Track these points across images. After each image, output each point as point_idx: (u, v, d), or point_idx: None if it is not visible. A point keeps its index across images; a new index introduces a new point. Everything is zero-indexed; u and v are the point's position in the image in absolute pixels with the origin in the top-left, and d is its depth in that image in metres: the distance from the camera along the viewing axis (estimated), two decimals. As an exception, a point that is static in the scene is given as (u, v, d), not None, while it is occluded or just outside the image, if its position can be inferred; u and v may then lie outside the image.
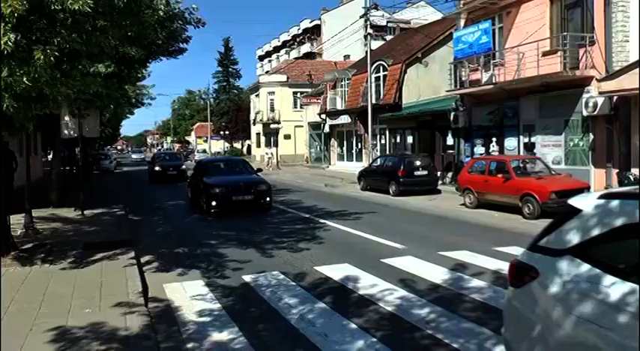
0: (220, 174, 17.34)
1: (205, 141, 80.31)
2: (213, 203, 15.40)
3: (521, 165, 15.55)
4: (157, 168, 29.72)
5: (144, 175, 34.34)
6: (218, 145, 73.38)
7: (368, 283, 7.60)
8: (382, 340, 5.47)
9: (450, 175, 23.46)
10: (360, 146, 34.04)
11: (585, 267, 3.32)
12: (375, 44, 39.42)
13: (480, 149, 21.46)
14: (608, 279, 3.13)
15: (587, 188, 14.35)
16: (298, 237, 11.62)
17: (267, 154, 43.29)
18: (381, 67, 30.33)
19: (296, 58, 61.38)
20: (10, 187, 11.32)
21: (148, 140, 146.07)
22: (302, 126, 46.97)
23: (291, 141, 48.86)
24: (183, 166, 30.64)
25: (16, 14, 5.90)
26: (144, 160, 51.51)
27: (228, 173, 17.55)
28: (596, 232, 3.38)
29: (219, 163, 19.94)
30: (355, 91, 32.96)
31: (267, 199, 16.10)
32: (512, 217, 13.99)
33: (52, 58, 6.49)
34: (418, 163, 20.81)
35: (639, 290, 2.88)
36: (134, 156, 79.31)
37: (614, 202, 3.39)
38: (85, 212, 14.53)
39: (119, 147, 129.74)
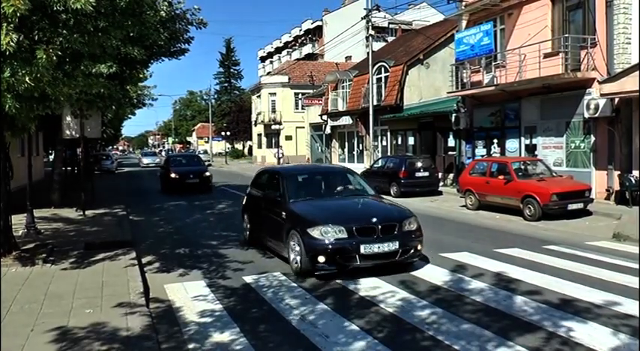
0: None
1: (207, 142, 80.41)
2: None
3: (523, 167, 15.54)
4: (172, 175, 23.47)
5: (151, 177, 34.03)
6: (219, 146, 73.41)
7: (369, 285, 7.60)
8: (383, 342, 5.46)
9: (451, 176, 23.46)
10: (361, 147, 34.03)
11: None
12: (377, 45, 39.54)
13: (481, 151, 21.45)
14: None
15: (589, 190, 14.37)
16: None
17: (276, 154, 43.39)
18: (383, 69, 30.33)
19: (298, 59, 61.41)
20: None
21: (150, 141, 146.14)
22: (303, 127, 46.99)
23: (292, 142, 48.86)
24: (207, 173, 24.13)
25: (18, 14, 5.91)
26: (159, 165, 37.42)
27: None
28: None
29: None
30: (357, 93, 32.95)
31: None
32: (514, 218, 13.99)
33: (54, 58, 6.51)
34: (419, 164, 20.83)
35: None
36: (146, 160, 54.88)
37: None
38: (87, 212, 14.55)
39: (120, 148, 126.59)
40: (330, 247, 7.84)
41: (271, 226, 9.50)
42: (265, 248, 10.05)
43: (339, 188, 10.09)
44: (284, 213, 8.95)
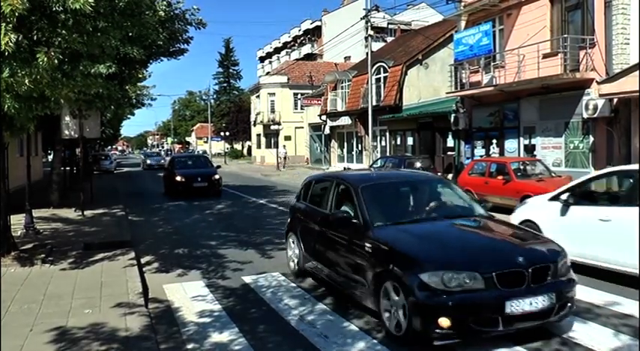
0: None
1: (206, 142, 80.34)
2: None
3: (522, 167, 15.54)
4: (178, 178, 21.67)
5: (151, 178, 33.98)
6: (218, 146, 73.38)
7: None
8: (382, 342, 5.46)
9: (450, 176, 23.45)
10: (360, 147, 34.06)
11: None
12: (376, 46, 39.54)
13: (480, 151, 21.47)
14: None
15: (588, 190, 14.35)
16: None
17: (281, 154, 43.31)
18: (382, 69, 30.35)
19: (297, 60, 61.40)
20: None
21: (149, 141, 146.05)
22: (302, 127, 47.00)
23: (291, 142, 48.87)
24: (217, 176, 22.06)
25: (16, 13, 5.91)
26: (164, 167, 33.32)
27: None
28: None
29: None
30: (356, 93, 32.98)
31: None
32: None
33: (55, 61, 6.50)
34: (418, 164, 20.80)
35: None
36: (150, 161, 50.89)
37: None
38: (86, 213, 14.54)
39: (120, 148, 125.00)
40: (458, 303, 5.06)
41: (343, 263, 6.68)
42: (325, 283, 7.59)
43: (432, 205, 7.05)
44: (367, 245, 6.09)
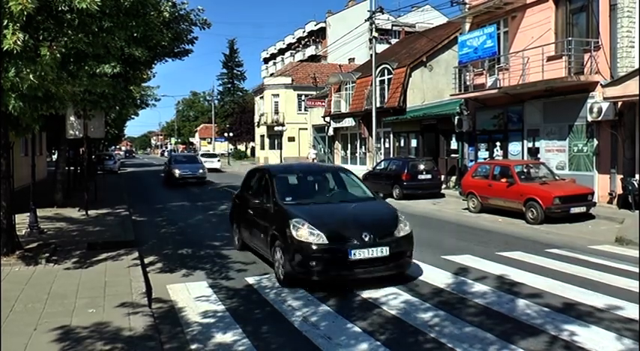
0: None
1: (209, 143, 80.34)
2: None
3: (525, 170, 15.53)
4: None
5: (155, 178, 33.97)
6: (222, 147, 73.40)
7: (371, 287, 7.59)
8: (386, 344, 5.47)
9: (453, 179, 23.44)
10: (364, 149, 34.05)
11: None
12: (380, 48, 39.57)
13: (483, 153, 21.44)
14: None
15: (591, 194, 14.35)
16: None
17: (310, 154, 42.96)
18: (386, 71, 30.35)
19: (301, 61, 61.48)
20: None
21: (152, 141, 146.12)
22: (306, 128, 47.01)
23: (295, 143, 48.88)
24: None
25: (25, 13, 5.94)
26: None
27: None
28: None
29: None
30: (360, 94, 32.98)
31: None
32: (516, 221, 13.97)
33: (58, 56, 6.53)
34: (422, 167, 20.82)
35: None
36: (182, 171, 28.10)
37: None
38: (90, 212, 14.57)
39: (124, 148, 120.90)
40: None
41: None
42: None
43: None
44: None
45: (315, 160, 41.23)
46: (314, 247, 7.35)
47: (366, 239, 7.44)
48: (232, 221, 10.95)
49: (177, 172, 27.74)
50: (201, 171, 28.35)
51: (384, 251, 7.47)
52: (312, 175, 10.18)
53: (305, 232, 7.46)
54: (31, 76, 6.48)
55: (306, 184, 9.82)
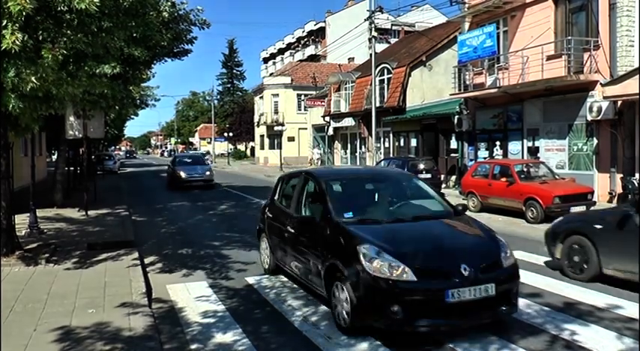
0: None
1: (209, 143, 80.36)
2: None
3: (525, 169, 15.52)
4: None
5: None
6: (222, 147, 73.39)
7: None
8: (385, 343, 5.47)
9: (453, 178, 23.44)
10: (363, 149, 34.04)
11: None
12: (380, 47, 39.55)
13: (483, 153, 21.44)
14: None
15: (591, 193, 14.35)
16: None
17: (314, 154, 42.90)
18: (386, 70, 30.35)
19: (300, 61, 61.44)
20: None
21: (152, 141, 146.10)
22: (306, 128, 47.01)
23: (294, 143, 48.87)
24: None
25: (24, 13, 5.94)
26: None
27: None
28: None
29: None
30: (359, 94, 32.97)
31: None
32: (516, 221, 13.97)
33: (59, 58, 6.53)
34: (422, 166, 20.82)
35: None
36: (186, 175, 26.08)
37: None
38: (89, 212, 14.57)
39: (123, 148, 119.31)
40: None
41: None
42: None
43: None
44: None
45: (319, 160, 41.25)
46: (398, 287, 5.38)
47: (466, 274, 5.44)
48: (260, 238, 8.92)
49: (182, 174, 25.69)
50: (208, 173, 26.41)
51: (490, 290, 5.48)
52: (371, 183, 7.99)
53: (382, 265, 5.47)
54: (32, 77, 6.48)
55: (366, 194, 7.73)
